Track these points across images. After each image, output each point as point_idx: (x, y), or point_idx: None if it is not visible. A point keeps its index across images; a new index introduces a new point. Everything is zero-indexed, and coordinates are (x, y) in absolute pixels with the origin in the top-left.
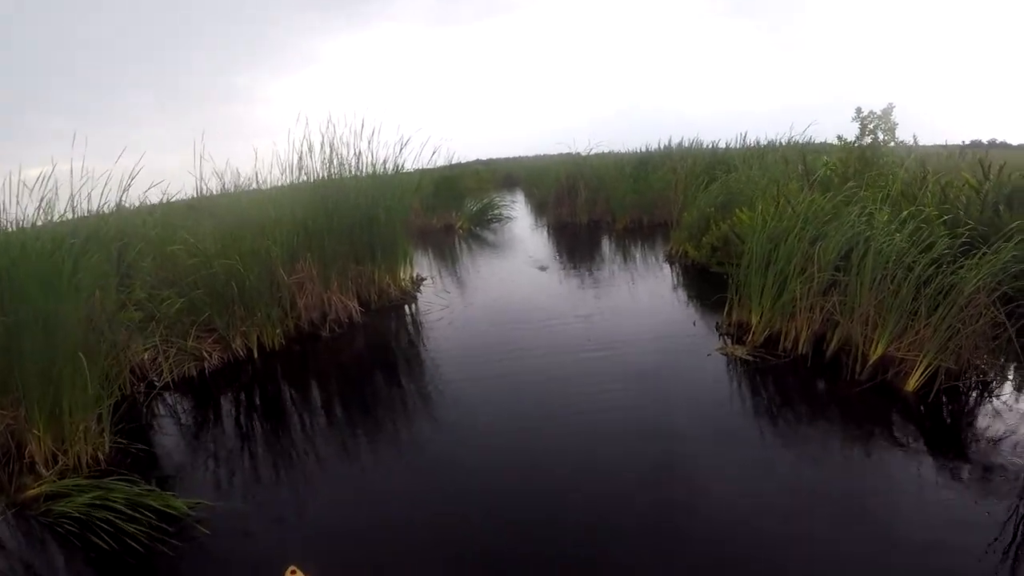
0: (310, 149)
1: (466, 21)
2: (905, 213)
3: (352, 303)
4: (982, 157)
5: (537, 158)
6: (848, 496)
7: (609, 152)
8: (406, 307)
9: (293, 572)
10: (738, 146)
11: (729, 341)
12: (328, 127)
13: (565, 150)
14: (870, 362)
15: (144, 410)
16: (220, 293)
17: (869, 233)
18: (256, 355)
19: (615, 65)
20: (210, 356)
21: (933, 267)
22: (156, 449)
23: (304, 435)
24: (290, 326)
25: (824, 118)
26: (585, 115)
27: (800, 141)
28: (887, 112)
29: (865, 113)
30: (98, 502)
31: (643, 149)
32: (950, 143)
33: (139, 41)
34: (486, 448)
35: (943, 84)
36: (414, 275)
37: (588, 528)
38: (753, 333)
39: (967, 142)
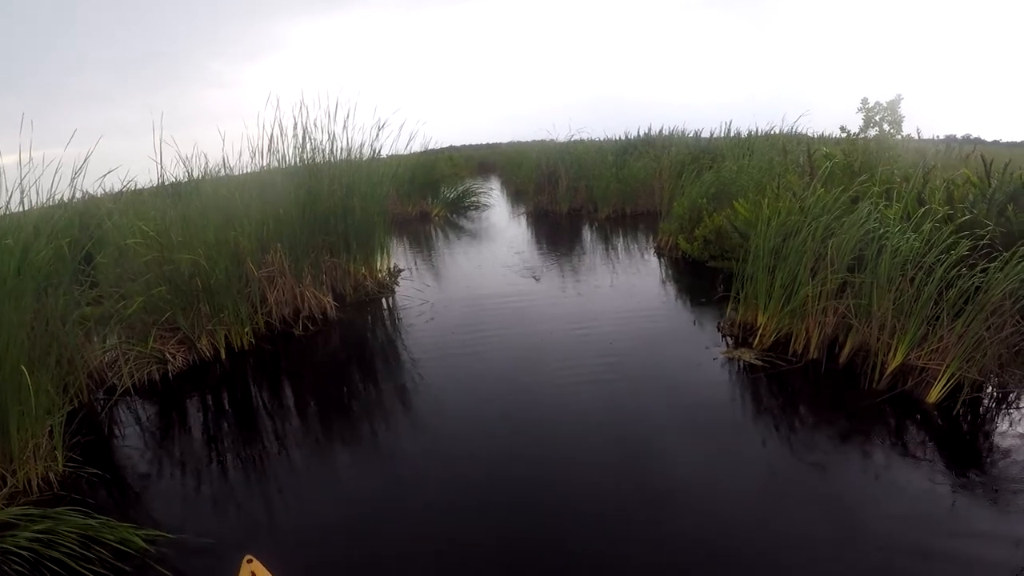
0: (281, 132)
1: (441, 4)
2: (921, 211)
3: (326, 298)
4: (983, 154)
5: (513, 145)
6: (865, 513)
7: (589, 139)
8: (383, 301)
9: (250, 561)
10: (723, 135)
11: (734, 343)
12: (301, 109)
13: (542, 137)
14: (889, 370)
15: (103, 420)
16: (183, 289)
17: (883, 231)
18: (224, 356)
19: (593, 52)
20: (174, 358)
21: (955, 270)
22: (115, 466)
23: (277, 444)
24: (260, 324)
25: (813, 109)
26: (562, 102)
27: (792, 131)
28: (894, 104)
29: (871, 104)
30: (47, 536)
31: (623, 137)
32: (926, 137)
33: (106, 24)
34: (468, 452)
35: (919, 76)
36: (391, 266)
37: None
38: (760, 335)
39: (941, 136)
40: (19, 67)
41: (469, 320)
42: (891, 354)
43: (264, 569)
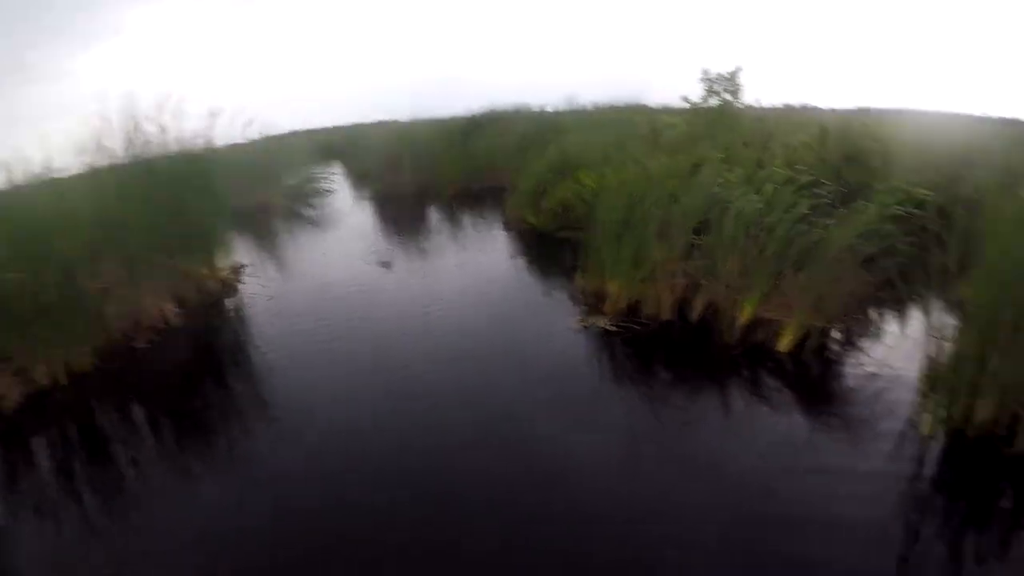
0: (110, 127)
1: None
2: (762, 174)
3: (167, 305)
4: (818, 120)
5: (356, 127)
6: (728, 460)
7: (433, 118)
8: (228, 301)
9: None
10: (567, 109)
11: (588, 312)
12: (129, 102)
13: (385, 118)
14: (740, 325)
15: None
16: (11, 314)
17: (726, 194)
18: (64, 382)
19: (438, 31)
20: (9, 392)
21: (796, 227)
22: None
23: (133, 470)
24: (99, 341)
25: (655, 82)
26: (406, 83)
27: (635, 104)
28: (734, 74)
29: (712, 75)
30: None
31: (468, 114)
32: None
33: None
34: (328, 447)
35: (758, 48)
36: (234, 264)
37: (455, 526)
38: (612, 302)
39: (780, 105)
40: None
41: (318, 312)
42: (741, 310)
43: None
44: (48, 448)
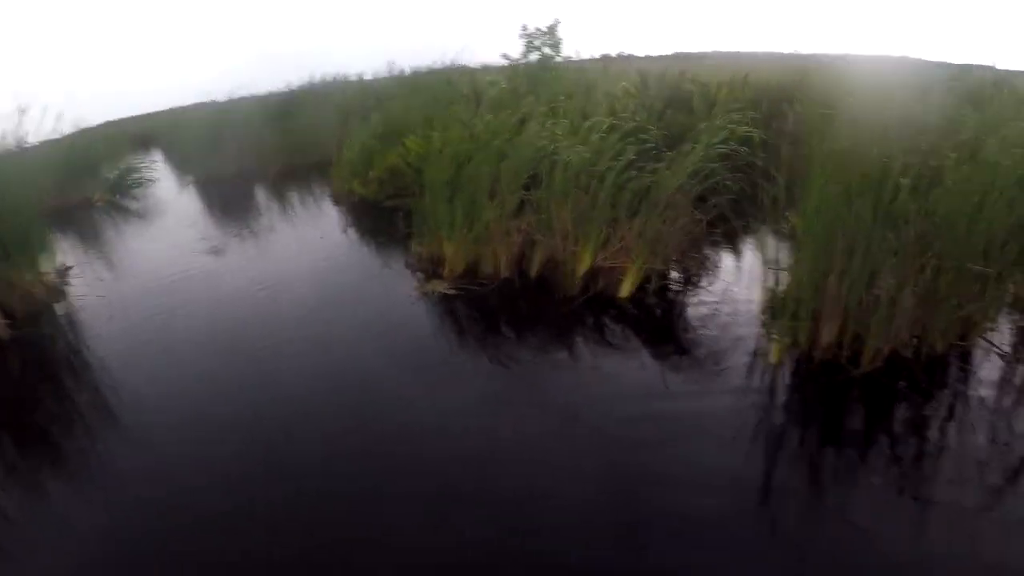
0: None
1: None
2: (587, 124)
3: None
4: (637, 68)
5: (172, 112)
6: (582, 407)
7: (252, 96)
8: (58, 307)
9: None
10: (386, 76)
11: (425, 278)
12: None
13: (203, 100)
14: (579, 275)
15: None
16: None
17: (552, 147)
18: None
19: (252, 8)
20: None
21: (625, 174)
22: None
23: None
24: None
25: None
26: (224, 64)
27: (454, 65)
28: (552, 28)
29: (531, 31)
30: None
31: (287, 89)
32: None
33: None
34: (185, 449)
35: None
36: (59, 266)
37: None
38: (449, 266)
39: (598, 56)
40: None
41: (153, 307)
42: (579, 261)
43: None
44: None
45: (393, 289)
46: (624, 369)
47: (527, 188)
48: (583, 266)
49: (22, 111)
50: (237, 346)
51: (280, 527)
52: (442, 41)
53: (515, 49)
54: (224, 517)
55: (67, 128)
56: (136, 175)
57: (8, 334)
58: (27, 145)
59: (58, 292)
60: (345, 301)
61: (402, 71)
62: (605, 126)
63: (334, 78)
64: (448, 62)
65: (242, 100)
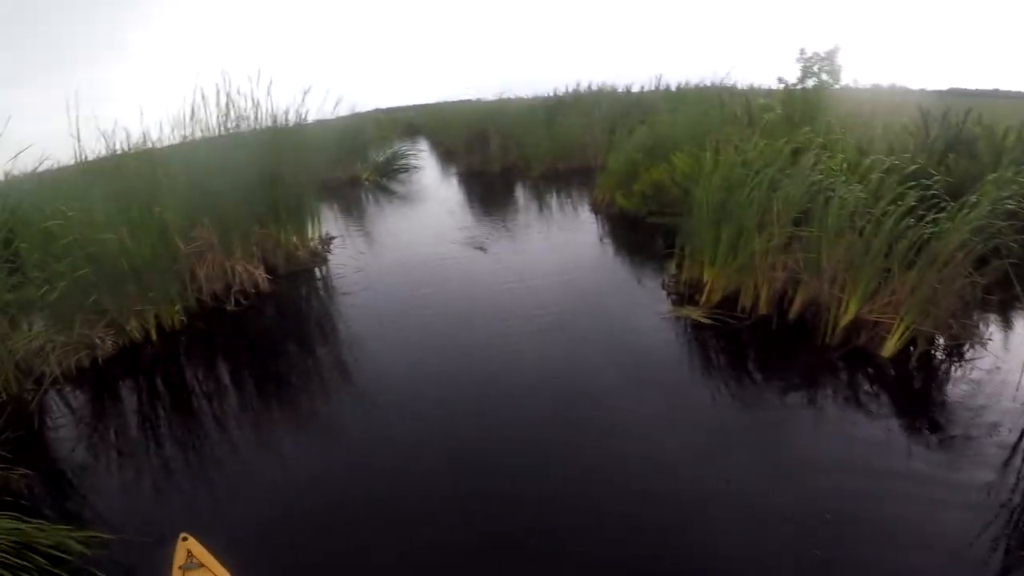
0: (204, 102)
1: None
2: (868, 162)
3: (258, 270)
4: (915, 103)
5: (440, 105)
6: (819, 469)
7: (518, 97)
8: (317, 271)
9: (185, 539)
10: (653, 89)
11: (680, 301)
12: (223, 76)
13: (470, 97)
14: (841, 325)
15: (33, 412)
16: (108, 270)
17: (828, 182)
18: (155, 337)
19: (518, 9)
20: (103, 342)
21: (904, 221)
22: (47, 462)
23: (215, 426)
24: (191, 301)
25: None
26: (489, 61)
27: (723, 84)
28: (832, 53)
29: (808, 54)
30: None
31: (553, 94)
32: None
33: None
34: (415, 425)
35: (844, 25)
36: (323, 234)
37: (545, 518)
38: (707, 292)
39: (867, 85)
40: None
41: (406, 285)
42: (843, 308)
43: (200, 546)
44: (133, 395)
45: (643, 306)
46: (868, 434)
47: (797, 223)
48: (847, 315)
49: (305, 91)
50: (474, 333)
51: (465, 518)
52: (711, 58)
53: (791, 73)
54: (428, 476)
55: (343, 110)
56: (403, 160)
57: (268, 287)
58: (306, 123)
59: (319, 257)
60: (590, 310)
61: (668, 86)
62: (885, 166)
63: (600, 87)
64: (716, 81)
65: (508, 100)
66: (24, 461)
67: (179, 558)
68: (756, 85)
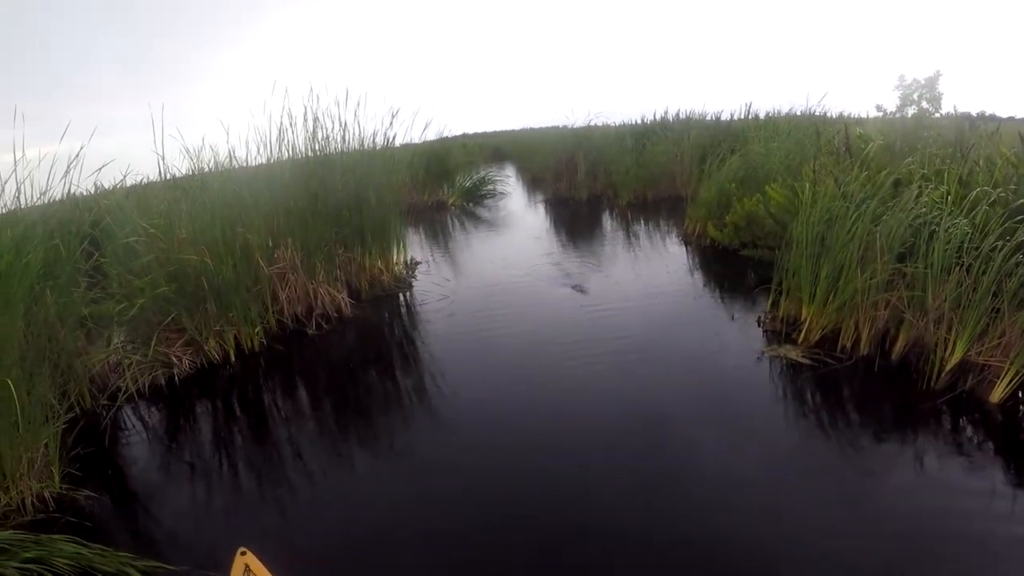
0: (291, 123)
1: None
2: (973, 194)
3: (341, 294)
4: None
5: (526, 131)
6: (921, 524)
7: (605, 124)
8: (401, 296)
9: (244, 554)
10: (743, 117)
11: (777, 339)
12: (311, 98)
13: (556, 123)
14: (947, 368)
15: (105, 428)
16: (189, 289)
17: (932, 216)
18: (234, 358)
19: (603, 36)
20: (180, 361)
21: (1014, 258)
22: (116, 482)
23: (291, 451)
24: (271, 323)
25: (834, 89)
26: (574, 88)
27: (812, 112)
28: (932, 81)
29: (908, 82)
30: (38, 567)
31: (640, 121)
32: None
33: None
34: (490, 455)
35: (932, 52)
36: (408, 259)
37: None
38: (806, 331)
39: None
40: (23, 65)
41: (491, 314)
42: (949, 350)
43: (257, 561)
44: (209, 416)
45: (735, 343)
46: (973, 487)
47: (900, 259)
48: (953, 358)
49: (393, 114)
50: (555, 363)
51: (528, 551)
52: (802, 85)
53: (889, 100)
54: (503, 506)
55: (430, 134)
56: (489, 186)
57: (350, 312)
58: (394, 146)
59: (403, 283)
60: (678, 344)
61: (757, 114)
62: (991, 199)
63: (688, 114)
64: (809, 109)
65: (595, 127)
66: (92, 480)
67: (236, 572)
68: (849, 113)
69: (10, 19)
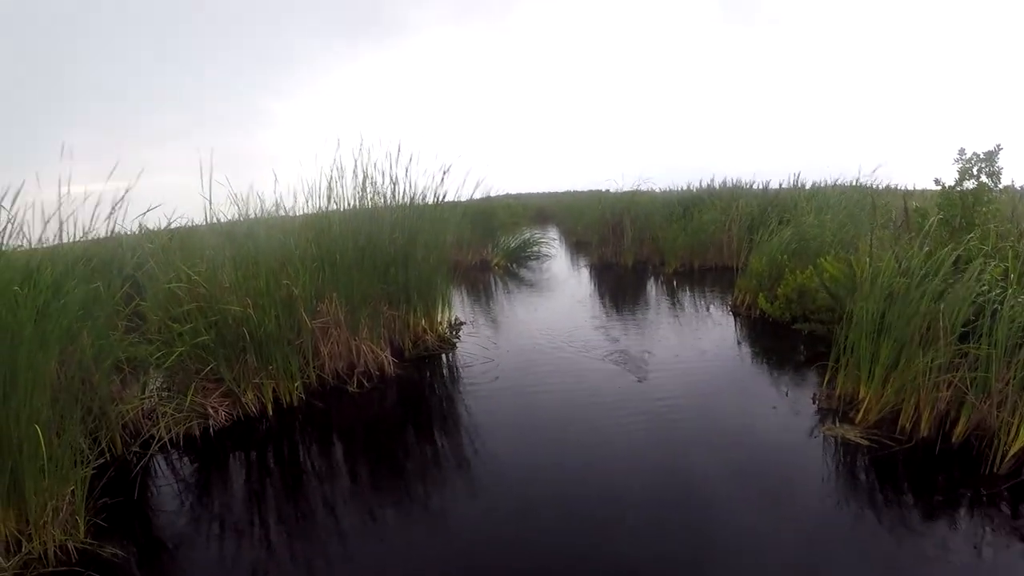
0: (341, 174)
1: (491, 37)
2: None
3: (384, 352)
4: None
5: (568, 194)
6: None
7: (649, 190)
8: (444, 357)
9: None
10: (791, 187)
11: (833, 418)
12: (361, 151)
13: (599, 186)
14: (1011, 453)
15: (135, 478)
16: (229, 338)
17: (993, 294)
18: (271, 412)
19: (647, 102)
20: (216, 412)
21: None
22: (143, 535)
23: (326, 511)
24: (312, 378)
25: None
26: (617, 153)
27: (861, 183)
28: (992, 155)
29: (968, 155)
30: None
31: (686, 187)
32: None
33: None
34: (529, 524)
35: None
36: (453, 319)
37: None
38: (864, 411)
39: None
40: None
41: (536, 381)
42: (1013, 434)
43: None
44: (243, 471)
45: (796, 425)
46: None
47: (963, 338)
48: (1018, 442)
49: (445, 171)
50: (598, 435)
51: None
52: (852, 155)
53: (947, 173)
54: None
55: (477, 193)
56: (534, 247)
57: (393, 371)
58: (443, 204)
59: (447, 343)
60: (730, 420)
61: (803, 184)
62: None
63: (736, 182)
64: (861, 179)
65: (643, 193)
66: (119, 531)
67: None
68: (901, 185)
69: (72, 57)
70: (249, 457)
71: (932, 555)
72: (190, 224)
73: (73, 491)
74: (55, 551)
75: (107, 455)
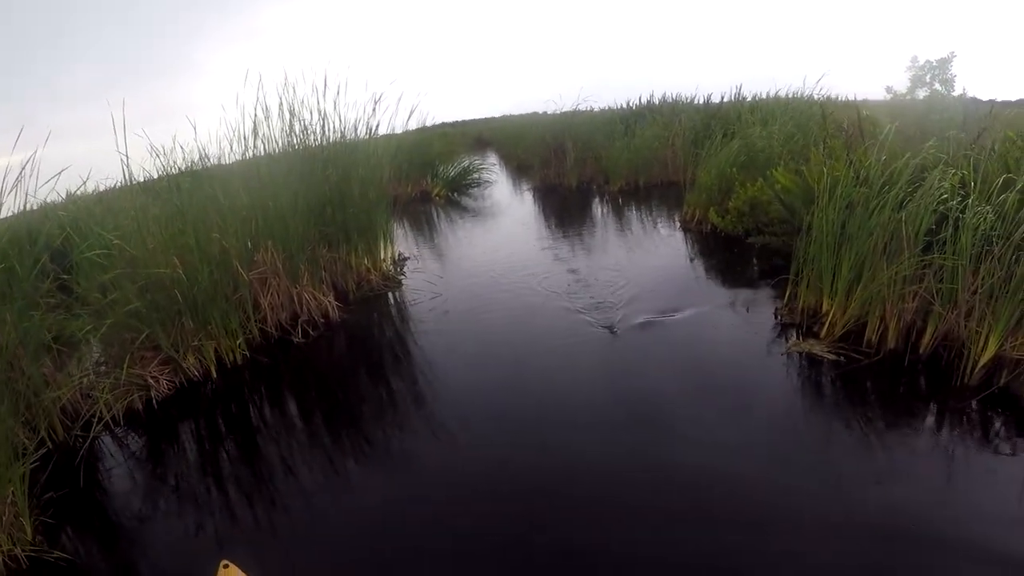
0: (266, 115)
1: None
2: (1000, 180)
3: (327, 297)
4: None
5: (506, 119)
6: (957, 535)
7: (591, 109)
8: (391, 296)
9: (226, 567)
10: (733, 100)
11: (796, 332)
12: (286, 88)
13: (536, 110)
14: (980, 364)
15: (80, 463)
16: (162, 303)
17: (955, 202)
18: (215, 374)
19: (585, 22)
20: (157, 382)
21: None
22: (97, 524)
23: (283, 469)
24: (254, 333)
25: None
26: (553, 77)
27: (802, 94)
28: (944, 62)
29: (920, 63)
30: None
31: (626, 106)
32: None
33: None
34: (494, 464)
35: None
36: (396, 255)
37: None
38: (830, 324)
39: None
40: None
41: (488, 311)
42: (982, 344)
43: (241, 573)
44: (193, 439)
45: (762, 340)
46: (1010, 491)
47: (927, 248)
48: (986, 352)
49: (376, 102)
50: (555, 361)
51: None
52: (798, 65)
53: (898, 81)
54: (503, 513)
55: (412, 124)
56: (475, 175)
57: (338, 316)
58: (377, 136)
59: (392, 281)
60: (690, 340)
61: (744, 97)
62: (1019, 186)
63: (676, 97)
64: (803, 91)
65: (584, 113)
66: (71, 526)
67: None
68: (850, 96)
69: None
70: (198, 424)
71: (904, 469)
72: (116, 185)
73: (14, 492)
74: (2, 562)
75: (48, 443)
